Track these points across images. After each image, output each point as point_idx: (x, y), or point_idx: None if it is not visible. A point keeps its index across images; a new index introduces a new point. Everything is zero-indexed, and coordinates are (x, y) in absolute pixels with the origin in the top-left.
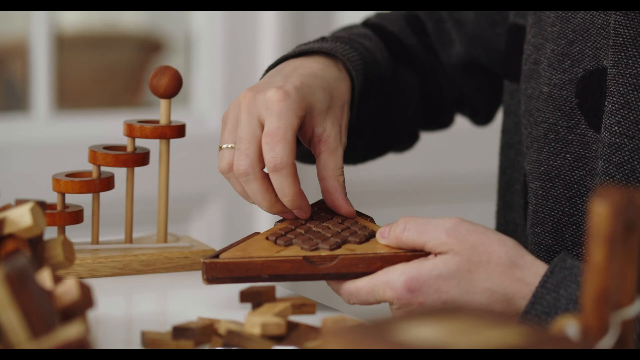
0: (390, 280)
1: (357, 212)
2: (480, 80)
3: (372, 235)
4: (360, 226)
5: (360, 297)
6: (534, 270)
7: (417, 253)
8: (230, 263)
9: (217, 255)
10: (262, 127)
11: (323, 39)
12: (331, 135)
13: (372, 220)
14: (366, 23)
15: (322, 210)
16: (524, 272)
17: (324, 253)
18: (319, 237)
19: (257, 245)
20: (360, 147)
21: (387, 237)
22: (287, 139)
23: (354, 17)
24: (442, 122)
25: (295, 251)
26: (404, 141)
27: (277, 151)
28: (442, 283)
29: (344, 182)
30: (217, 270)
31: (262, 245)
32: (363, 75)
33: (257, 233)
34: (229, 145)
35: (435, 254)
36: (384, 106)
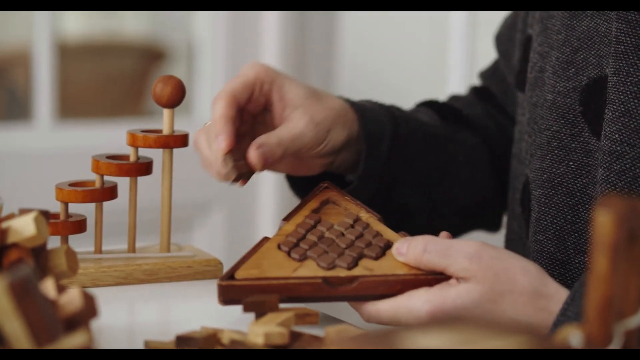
0: (414, 308)
1: (364, 207)
2: None
3: (387, 245)
4: (374, 232)
5: (380, 319)
6: (557, 298)
7: (438, 277)
8: (248, 286)
9: (232, 275)
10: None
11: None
12: (295, 117)
13: (381, 219)
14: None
15: (329, 210)
16: (548, 302)
17: (342, 274)
18: (334, 249)
19: (271, 259)
20: (448, 218)
21: (405, 254)
22: (235, 81)
23: (355, 18)
24: None
25: (312, 269)
26: (489, 215)
27: (223, 87)
28: (465, 313)
29: (277, 148)
30: (234, 292)
31: (277, 260)
32: (388, 117)
33: (266, 238)
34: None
35: (457, 278)
36: (451, 165)
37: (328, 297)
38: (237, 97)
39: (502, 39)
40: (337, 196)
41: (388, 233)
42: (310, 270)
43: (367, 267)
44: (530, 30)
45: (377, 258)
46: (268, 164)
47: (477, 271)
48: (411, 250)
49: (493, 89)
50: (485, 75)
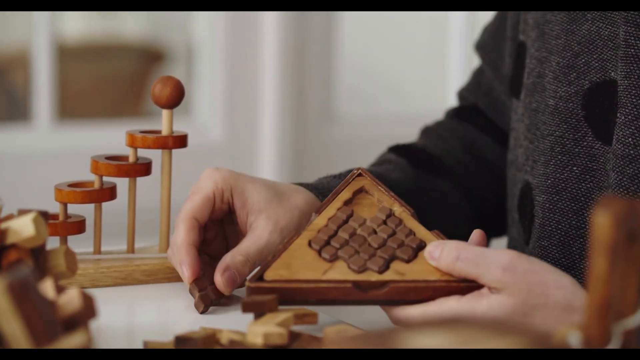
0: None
1: (397, 200)
2: None
3: (420, 246)
4: (407, 231)
5: (409, 325)
6: None
7: (470, 284)
8: (277, 288)
9: (261, 276)
10: None
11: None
12: (260, 226)
13: (414, 215)
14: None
15: (361, 200)
16: (581, 316)
17: (373, 278)
18: (365, 249)
19: (301, 258)
20: None
21: (437, 259)
22: (194, 199)
23: (354, 18)
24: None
25: (343, 272)
26: None
27: (183, 207)
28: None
29: (244, 267)
30: (263, 294)
31: (306, 259)
32: None
33: (297, 233)
34: None
35: (490, 288)
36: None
37: (357, 301)
38: (197, 218)
39: (487, 49)
40: (370, 185)
41: (421, 231)
42: (340, 272)
43: (398, 271)
44: (523, 37)
45: (409, 261)
46: (238, 284)
47: (511, 283)
48: (444, 256)
49: (481, 104)
50: (468, 91)
